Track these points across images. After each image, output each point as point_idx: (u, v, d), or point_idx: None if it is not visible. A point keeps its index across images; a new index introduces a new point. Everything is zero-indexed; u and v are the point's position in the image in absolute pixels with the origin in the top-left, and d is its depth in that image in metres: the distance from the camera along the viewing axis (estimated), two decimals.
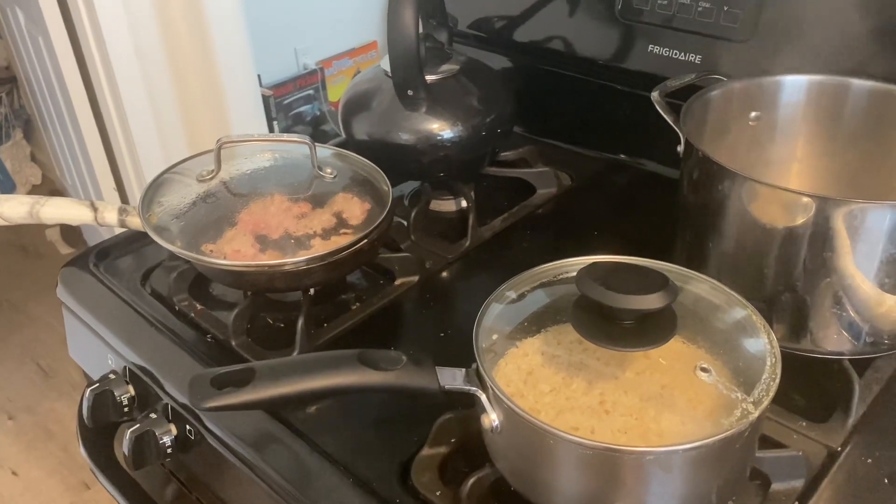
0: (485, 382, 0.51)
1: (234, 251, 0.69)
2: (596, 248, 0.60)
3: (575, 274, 0.53)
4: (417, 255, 0.80)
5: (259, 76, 1.67)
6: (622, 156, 0.97)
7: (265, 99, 1.73)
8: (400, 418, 0.62)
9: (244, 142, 0.77)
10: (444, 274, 0.80)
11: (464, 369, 0.52)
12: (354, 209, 0.74)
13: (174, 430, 0.66)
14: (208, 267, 0.70)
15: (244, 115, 1.59)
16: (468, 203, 0.86)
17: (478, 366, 0.51)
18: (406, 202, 0.91)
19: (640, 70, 0.91)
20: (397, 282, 0.78)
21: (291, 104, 1.81)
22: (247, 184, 0.77)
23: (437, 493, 0.55)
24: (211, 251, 0.69)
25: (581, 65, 0.97)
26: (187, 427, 0.65)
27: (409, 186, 0.93)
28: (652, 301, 0.49)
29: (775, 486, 0.55)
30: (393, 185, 0.76)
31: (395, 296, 0.76)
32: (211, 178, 0.76)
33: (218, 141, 0.75)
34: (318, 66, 1.83)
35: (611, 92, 0.94)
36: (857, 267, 0.58)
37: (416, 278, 0.78)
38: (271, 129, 1.71)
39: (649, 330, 0.51)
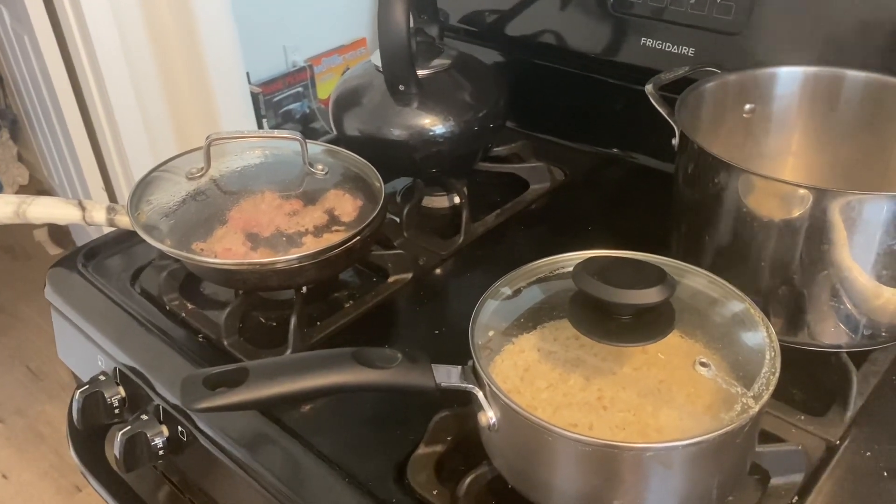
0: (481, 379, 0.50)
1: (225, 249, 0.69)
2: (591, 243, 0.60)
3: (571, 269, 0.52)
4: (411, 252, 0.80)
5: (248, 74, 1.66)
6: (615, 150, 0.97)
7: (254, 96, 1.72)
8: (395, 417, 0.61)
9: (234, 139, 0.76)
10: (438, 271, 0.79)
11: (460, 367, 0.51)
12: (346, 206, 0.73)
13: (166, 432, 0.66)
14: (199, 266, 0.69)
15: (233, 112, 1.58)
16: (461, 199, 0.86)
17: (474, 363, 0.50)
18: (398, 199, 0.90)
19: (633, 63, 0.90)
20: (391, 279, 0.77)
21: (281, 101, 1.81)
22: (237, 181, 0.76)
23: (434, 493, 0.54)
24: (201, 250, 0.69)
25: (573, 59, 0.96)
26: (179, 428, 0.65)
27: (402, 183, 0.93)
28: (650, 295, 0.48)
29: (775, 481, 0.54)
30: (385, 182, 0.75)
31: (389, 293, 0.76)
32: (200, 176, 0.75)
33: (207, 138, 0.74)
34: (307, 63, 1.82)
35: (604, 86, 0.94)
36: (853, 259, 0.58)
37: (409, 275, 0.77)
38: (260, 127, 1.70)
39: (647, 325, 0.51)
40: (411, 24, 0.78)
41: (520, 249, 0.82)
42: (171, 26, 1.42)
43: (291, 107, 1.83)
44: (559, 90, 0.99)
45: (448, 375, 0.51)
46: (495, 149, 0.94)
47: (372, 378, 0.48)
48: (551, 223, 0.86)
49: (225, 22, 1.48)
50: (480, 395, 0.50)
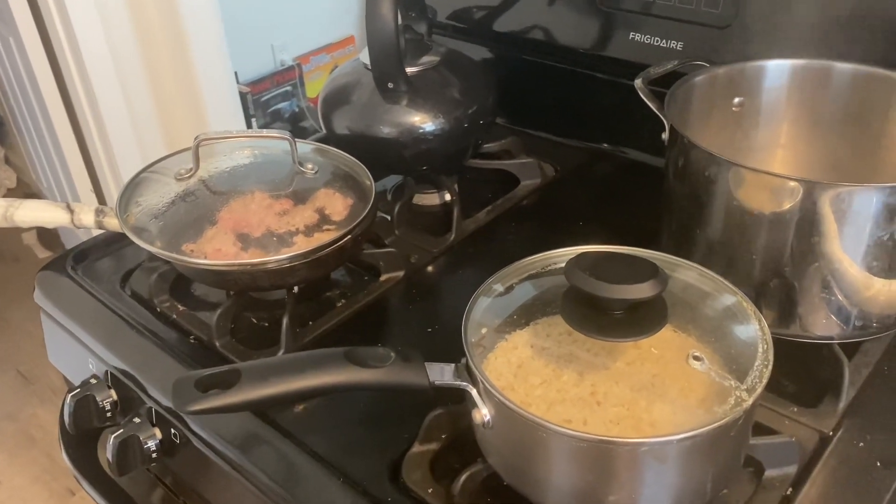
0: (475, 377, 0.50)
1: (216, 250, 0.68)
2: (582, 239, 0.60)
3: (563, 265, 0.53)
4: (402, 250, 0.79)
5: (236, 73, 1.65)
6: (605, 145, 0.97)
7: (242, 96, 1.71)
8: (389, 415, 0.61)
9: (223, 139, 0.75)
10: (430, 268, 0.79)
11: (453, 364, 0.51)
12: (337, 205, 0.73)
13: (159, 434, 0.65)
14: (189, 267, 0.68)
15: (221, 112, 1.58)
16: (452, 196, 0.85)
17: (467, 360, 0.50)
18: (389, 197, 0.90)
19: (622, 58, 0.90)
20: (382, 278, 0.77)
21: (269, 101, 1.80)
22: (226, 181, 0.76)
23: (429, 491, 0.54)
24: (191, 251, 0.68)
25: (562, 54, 0.96)
26: (172, 431, 0.64)
27: (392, 181, 0.92)
28: (643, 290, 0.48)
29: (769, 473, 0.54)
30: (375, 180, 0.75)
31: (381, 292, 0.75)
32: (189, 177, 0.74)
33: (196, 138, 0.73)
34: (296, 62, 1.81)
35: (593, 81, 0.93)
36: (844, 251, 0.58)
37: (401, 273, 0.77)
38: (249, 127, 1.69)
39: (640, 319, 0.51)
40: (399, 22, 0.77)
41: (511, 246, 0.82)
42: (158, 26, 1.41)
43: (280, 106, 1.82)
44: (549, 86, 0.99)
45: (441, 373, 0.50)
46: (485, 145, 0.93)
47: (365, 377, 0.48)
48: (542, 219, 0.86)
49: (212, 21, 1.47)
50: (474, 392, 0.50)
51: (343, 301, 0.75)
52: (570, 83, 0.96)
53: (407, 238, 0.82)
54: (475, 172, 0.92)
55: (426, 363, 0.50)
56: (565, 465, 0.48)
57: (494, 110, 0.87)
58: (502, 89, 0.88)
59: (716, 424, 0.46)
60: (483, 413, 0.49)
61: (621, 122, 0.92)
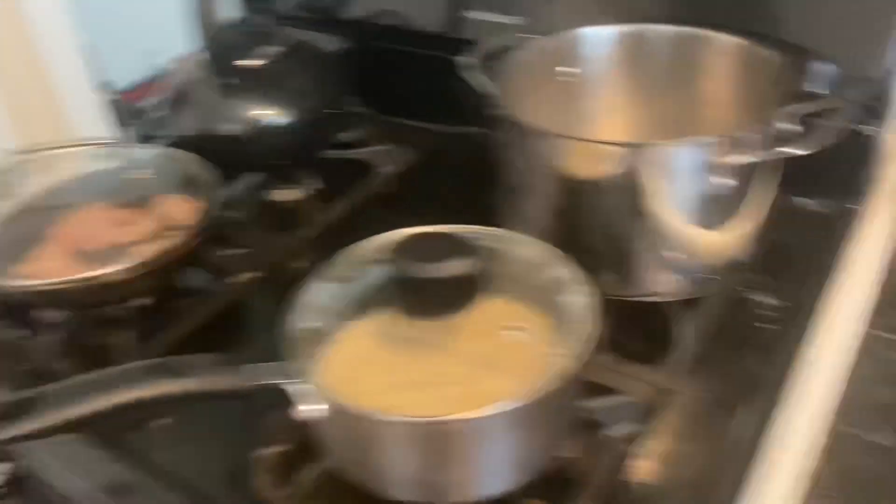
0: (301, 374, 0.49)
1: (47, 269, 0.65)
2: (436, 221, 0.59)
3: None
4: (257, 250, 0.77)
5: (107, 82, 1.57)
6: (459, 126, 0.96)
7: (114, 104, 1.64)
8: (234, 422, 0.59)
9: (40, 150, 0.72)
10: (287, 266, 0.77)
11: (277, 363, 0.50)
12: (181, 209, 0.71)
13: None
14: (16, 291, 0.65)
15: (89, 123, 1.50)
16: (308, 190, 0.84)
17: (289, 358, 0.49)
18: (243, 196, 0.87)
19: (463, 37, 0.89)
20: (237, 279, 0.74)
21: (145, 107, 1.73)
22: (59, 196, 0.73)
23: (277, 493, 0.53)
24: (19, 273, 0.65)
25: (410, 37, 0.95)
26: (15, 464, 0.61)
27: (248, 179, 0.90)
28: (454, 268, 0.48)
29: (609, 432, 0.55)
30: (229, 180, 0.72)
31: (236, 295, 0.73)
32: (10, 196, 0.70)
33: (9, 154, 0.69)
34: (170, 65, 1.74)
35: (440, 62, 0.92)
36: (670, 207, 0.59)
37: (256, 274, 0.75)
38: (124, 137, 1.63)
39: (463, 295, 0.51)
40: (243, 13, 0.75)
41: (369, 235, 0.81)
42: (4, 39, 1.34)
43: (159, 114, 1.76)
44: (400, 70, 0.98)
45: (263, 374, 0.48)
46: (340, 135, 0.92)
47: (177, 388, 0.46)
48: (400, 205, 0.85)
49: (63, 29, 1.40)
50: (301, 390, 0.49)
51: (197, 308, 0.72)
52: (419, 66, 0.95)
53: (262, 237, 0.80)
54: (332, 164, 0.90)
55: (248, 365, 0.49)
56: (398, 451, 0.48)
57: (343, 99, 0.86)
58: (354, 77, 0.87)
59: (543, 393, 0.46)
60: (300, 409, 0.48)
61: (471, 102, 0.92)
